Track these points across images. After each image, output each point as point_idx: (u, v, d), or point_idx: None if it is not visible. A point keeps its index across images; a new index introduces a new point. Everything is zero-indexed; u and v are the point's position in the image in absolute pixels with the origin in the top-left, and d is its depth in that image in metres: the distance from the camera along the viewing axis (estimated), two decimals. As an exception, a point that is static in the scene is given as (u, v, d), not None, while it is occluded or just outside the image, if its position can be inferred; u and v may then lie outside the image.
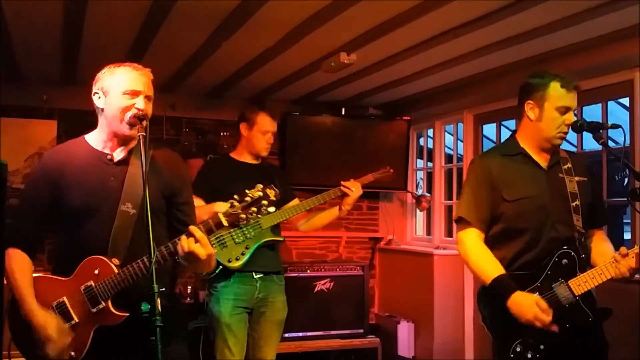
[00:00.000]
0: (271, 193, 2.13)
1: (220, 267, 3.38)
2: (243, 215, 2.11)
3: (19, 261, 2.24)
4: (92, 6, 3.34)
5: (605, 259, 2.42)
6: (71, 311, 2.18)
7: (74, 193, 2.22)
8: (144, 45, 4.00)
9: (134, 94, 2.21)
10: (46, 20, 3.60)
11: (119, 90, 2.21)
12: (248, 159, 3.63)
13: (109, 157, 2.28)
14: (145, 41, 3.94)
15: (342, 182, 3.58)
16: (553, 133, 2.52)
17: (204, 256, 2.09)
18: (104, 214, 2.20)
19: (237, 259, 3.36)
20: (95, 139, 2.33)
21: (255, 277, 3.45)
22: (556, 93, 2.50)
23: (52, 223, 2.29)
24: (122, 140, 2.28)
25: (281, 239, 3.57)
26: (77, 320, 2.17)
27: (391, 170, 3.92)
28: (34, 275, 2.26)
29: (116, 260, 2.17)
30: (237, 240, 3.25)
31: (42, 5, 3.36)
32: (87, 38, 3.91)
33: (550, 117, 2.51)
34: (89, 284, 2.16)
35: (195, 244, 2.07)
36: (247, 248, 3.39)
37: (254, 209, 2.11)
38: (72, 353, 2.15)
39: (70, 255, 2.21)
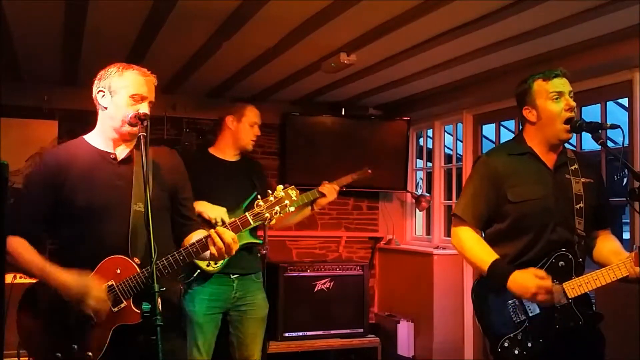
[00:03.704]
0: (292, 193, 2.24)
1: (198, 270, 3.35)
2: (267, 215, 2.22)
3: (21, 243, 2.23)
4: (93, 6, 3.35)
5: (620, 258, 2.40)
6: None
7: (82, 193, 2.24)
8: (145, 45, 4.01)
9: (141, 98, 2.27)
10: (47, 21, 3.61)
11: (127, 93, 2.26)
12: (229, 155, 3.57)
13: (112, 156, 2.31)
14: (146, 42, 3.95)
15: (320, 186, 3.60)
16: (558, 125, 2.50)
17: (234, 250, 2.25)
18: (117, 213, 2.23)
19: (215, 263, 3.33)
20: (96, 138, 2.35)
21: (232, 277, 3.43)
22: (541, 87, 2.52)
23: (52, 224, 2.29)
24: (125, 139, 2.32)
25: (259, 241, 3.53)
26: (96, 320, 2.17)
27: (369, 171, 3.98)
28: None
29: (137, 260, 2.19)
30: None
31: (43, 6, 3.36)
32: (88, 38, 3.92)
33: (547, 109, 2.51)
34: (110, 283, 2.17)
35: (229, 242, 2.20)
36: None
37: (278, 208, 2.21)
38: (90, 354, 2.15)
39: (84, 255, 2.21)
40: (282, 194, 2.23)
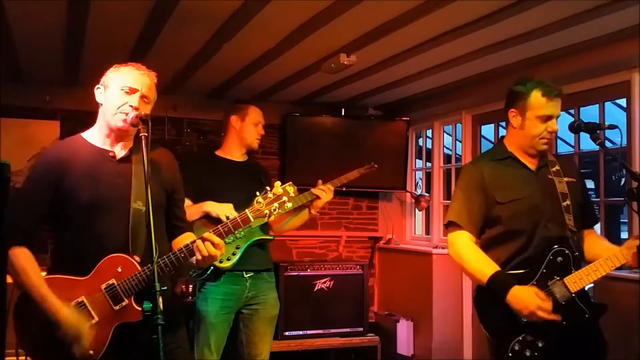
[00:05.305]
0: (290, 190, 2.27)
1: (212, 267, 3.34)
2: (266, 211, 2.25)
3: (29, 260, 2.21)
4: (94, 7, 3.36)
5: (615, 251, 2.44)
6: (91, 310, 2.18)
7: (82, 190, 2.24)
8: (146, 46, 4.03)
9: (131, 91, 2.27)
10: (49, 21, 3.62)
11: (118, 86, 2.27)
12: (236, 155, 3.60)
13: (111, 154, 2.32)
14: (147, 42, 3.96)
15: (315, 188, 3.59)
16: (536, 140, 2.57)
17: (219, 258, 2.26)
18: (118, 211, 2.23)
19: (227, 259, 3.35)
20: (94, 135, 2.35)
21: (245, 276, 3.43)
22: (537, 102, 2.54)
23: (53, 222, 2.29)
24: (119, 135, 2.31)
25: (270, 237, 3.55)
26: (97, 319, 2.17)
27: (375, 166, 4.00)
28: (49, 276, 2.25)
29: (137, 258, 2.20)
30: (227, 240, 3.29)
31: (45, 6, 3.38)
32: (89, 39, 3.93)
33: (532, 125, 2.56)
34: (110, 282, 2.18)
35: (214, 248, 2.20)
36: (237, 248, 3.37)
37: (276, 204, 2.25)
38: (91, 352, 2.15)
39: (82, 254, 2.22)
40: (281, 190, 2.27)
